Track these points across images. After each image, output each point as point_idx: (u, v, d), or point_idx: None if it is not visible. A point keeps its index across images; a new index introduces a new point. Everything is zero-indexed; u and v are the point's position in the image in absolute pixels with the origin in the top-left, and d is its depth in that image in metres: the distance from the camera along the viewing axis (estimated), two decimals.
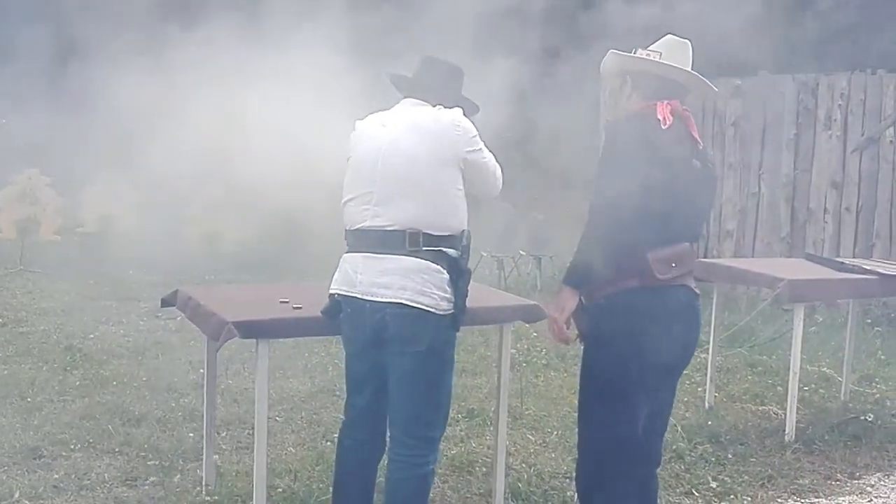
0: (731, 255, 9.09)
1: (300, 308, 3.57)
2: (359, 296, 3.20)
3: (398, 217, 3.16)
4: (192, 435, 4.79)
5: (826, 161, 8.65)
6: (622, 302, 3.06)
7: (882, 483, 4.66)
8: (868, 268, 5.22)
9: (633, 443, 3.16)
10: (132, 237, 10.55)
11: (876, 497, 4.50)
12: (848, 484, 4.63)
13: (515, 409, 5.48)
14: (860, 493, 4.52)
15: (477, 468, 4.51)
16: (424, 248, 3.15)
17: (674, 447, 4.90)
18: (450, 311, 3.19)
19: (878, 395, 5.99)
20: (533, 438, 5.03)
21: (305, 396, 5.59)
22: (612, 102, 3.25)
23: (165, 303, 4.14)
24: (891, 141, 8.33)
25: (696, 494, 4.38)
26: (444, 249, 3.18)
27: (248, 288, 4.36)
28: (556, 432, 5.12)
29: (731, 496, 4.39)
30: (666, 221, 3.00)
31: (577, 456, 3.38)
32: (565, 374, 6.36)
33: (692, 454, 4.84)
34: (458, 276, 3.19)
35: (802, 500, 4.40)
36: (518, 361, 6.66)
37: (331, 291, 3.33)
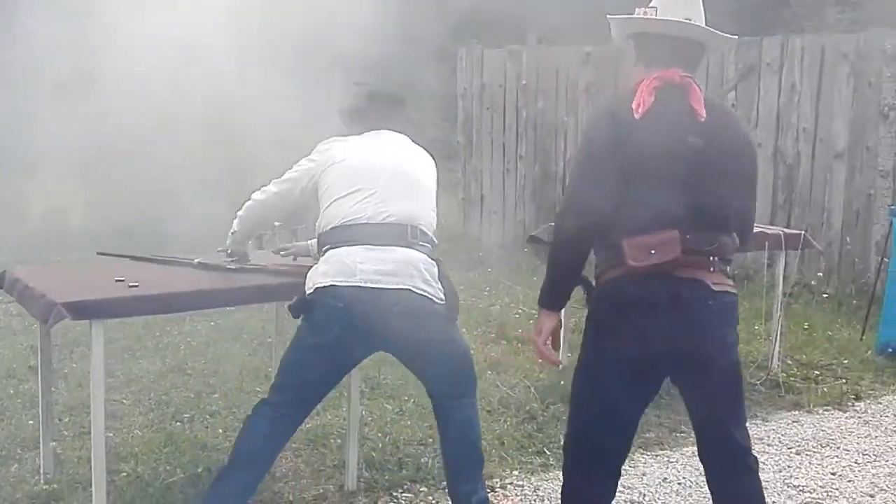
0: None
1: (136, 286, 3.44)
2: (361, 284, 3.22)
3: (401, 213, 3.36)
4: (32, 422, 4.57)
5: None
6: (607, 290, 2.88)
7: None
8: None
9: (583, 439, 3.00)
10: None
11: None
12: (692, 435, 4.80)
13: (373, 378, 5.47)
14: None
15: (332, 440, 4.48)
16: (422, 243, 3.38)
17: (527, 408, 5.00)
18: (443, 303, 3.37)
19: None
20: (390, 407, 5.03)
21: (155, 377, 5.42)
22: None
23: None
24: (733, 105, 8.65)
25: (548, 453, 4.48)
26: (432, 248, 3.46)
27: (83, 267, 4.16)
28: (412, 400, 5.12)
29: None
30: (641, 210, 2.76)
31: None
32: None
33: (545, 414, 4.94)
34: (442, 275, 3.42)
35: (649, 453, 4.55)
36: None
37: (319, 285, 3.28)
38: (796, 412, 5.19)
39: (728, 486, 3.05)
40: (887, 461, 4.56)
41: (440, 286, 3.37)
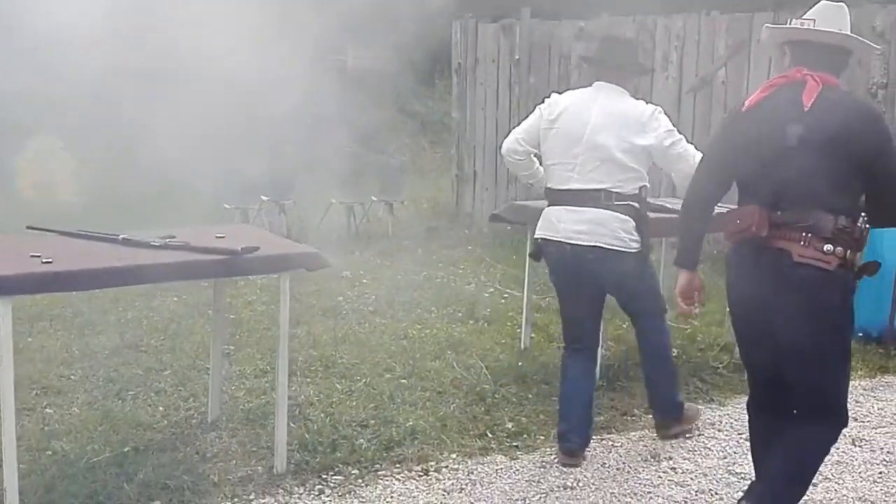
0: None
1: (50, 262, 3.38)
2: (562, 240, 4.13)
3: (597, 181, 4.08)
4: None
5: (662, 102, 8.60)
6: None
7: None
8: (670, 206, 5.28)
9: (752, 393, 3.52)
10: None
11: None
12: (642, 419, 4.72)
13: (329, 357, 5.43)
14: (652, 428, 4.60)
15: (270, 420, 4.41)
16: (617, 203, 4.07)
17: (478, 389, 4.93)
18: (638, 249, 4.12)
19: (690, 331, 6.13)
20: (340, 387, 4.96)
21: (110, 353, 5.39)
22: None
23: None
24: (723, 82, 8.49)
25: (490, 435, 4.40)
26: (630, 203, 4.10)
27: (4, 241, 4.04)
28: (364, 380, 5.07)
29: (525, 435, 4.42)
30: (740, 189, 3.29)
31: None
32: (390, 320, 6.32)
33: (495, 396, 4.86)
34: (641, 223, 4.12)
35: (595, 437, 4.46)
36: (344, 309, 6.59)
37: (536, 236, 4.31)
38: None
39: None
40: (837, 448, 4.43)
41: (634, 236, 4.09)
